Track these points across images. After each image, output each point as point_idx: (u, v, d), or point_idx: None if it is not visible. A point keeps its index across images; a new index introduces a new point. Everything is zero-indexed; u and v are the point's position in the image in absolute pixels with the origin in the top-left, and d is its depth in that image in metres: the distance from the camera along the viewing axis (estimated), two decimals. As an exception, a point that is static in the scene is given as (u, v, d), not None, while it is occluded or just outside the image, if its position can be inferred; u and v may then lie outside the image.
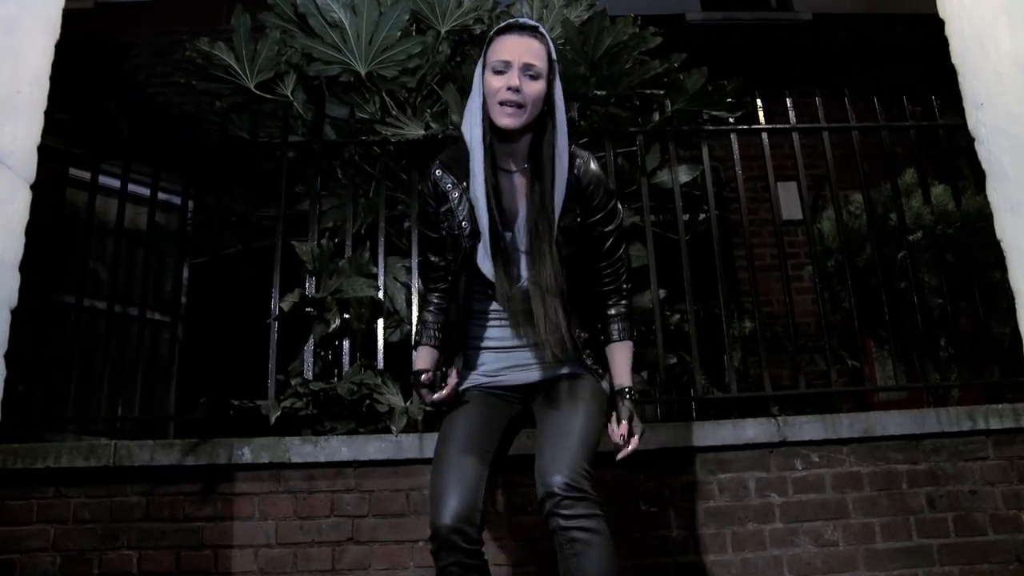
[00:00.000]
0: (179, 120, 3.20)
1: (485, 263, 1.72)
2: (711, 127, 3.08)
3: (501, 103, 1.63)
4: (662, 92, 3.03)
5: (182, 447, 2.54)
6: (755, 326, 3.38)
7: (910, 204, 3.06)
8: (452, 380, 1.73)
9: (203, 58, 2.96)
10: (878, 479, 2.55)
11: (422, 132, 2.94)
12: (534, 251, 1.67)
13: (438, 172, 1.80)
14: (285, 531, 2.48)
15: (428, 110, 3.16)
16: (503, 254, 1.70)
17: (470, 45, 3.23)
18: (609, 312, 1.84)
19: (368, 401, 2.63)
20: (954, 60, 1.60)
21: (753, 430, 2.56)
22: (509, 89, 1.62)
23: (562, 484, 1.50)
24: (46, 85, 1.61)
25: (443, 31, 3.15)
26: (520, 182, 1.74)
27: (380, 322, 2.79)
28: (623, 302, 1.87)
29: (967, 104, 1.57)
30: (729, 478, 2.53)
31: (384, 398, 2.63)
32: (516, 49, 1.64)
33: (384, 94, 3.07)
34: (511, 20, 1.73)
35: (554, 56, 1.71)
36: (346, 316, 2.80)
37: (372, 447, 2.53)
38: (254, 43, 2.99)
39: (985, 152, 1.51)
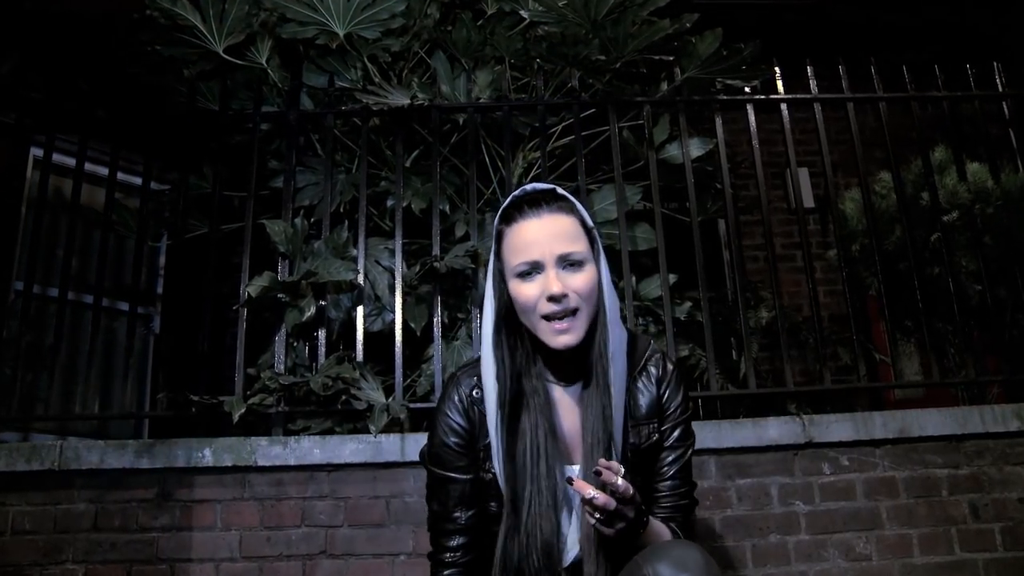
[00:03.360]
0: (142, 90, 2.91)
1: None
2: (725, 97, 2.81)
3: (545, 317, 1.21)
4: (671, 58, 2.75)
5: (135, 448, 2.27)
6: (771, 316, 3.11)
7: (943, 182, 2.78)
8: None
9: (166, 17, 2.68)
10: (915, 485, 2.28)
11: (407, 101, 2.66)
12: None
13: (476, 392, 1.32)
14: (250, 543, 2.21)
15: (415, 79, 2.88)
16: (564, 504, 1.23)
17: (461, 8, 2.95)
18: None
19: (344, 397, 2.36)
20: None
21: (776, 430, 2.29)
22: (551, 300, 1.19)
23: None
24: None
25: (432, -8, 2.87)
26: (573, 397, 1.32)
27: (360, 309, 2.52)
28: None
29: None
30: (749, 484, 2.26)
31: (363, 394, 2.36)
32: (540, 238, 1.22)
33: (366, 59, 2.79)
34: (517, 193, 1.29)
35: (589, 222, 1.28)
36: (322, 303, 2.53)
37: (348, 449, 2.26)
38: (222, 1, 2.71)
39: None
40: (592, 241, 1.27)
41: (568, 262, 1.22)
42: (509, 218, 1.27)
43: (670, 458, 1.34)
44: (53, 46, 3.60)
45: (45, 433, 3.21)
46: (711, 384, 2.47)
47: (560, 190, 1.30)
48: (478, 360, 1.36)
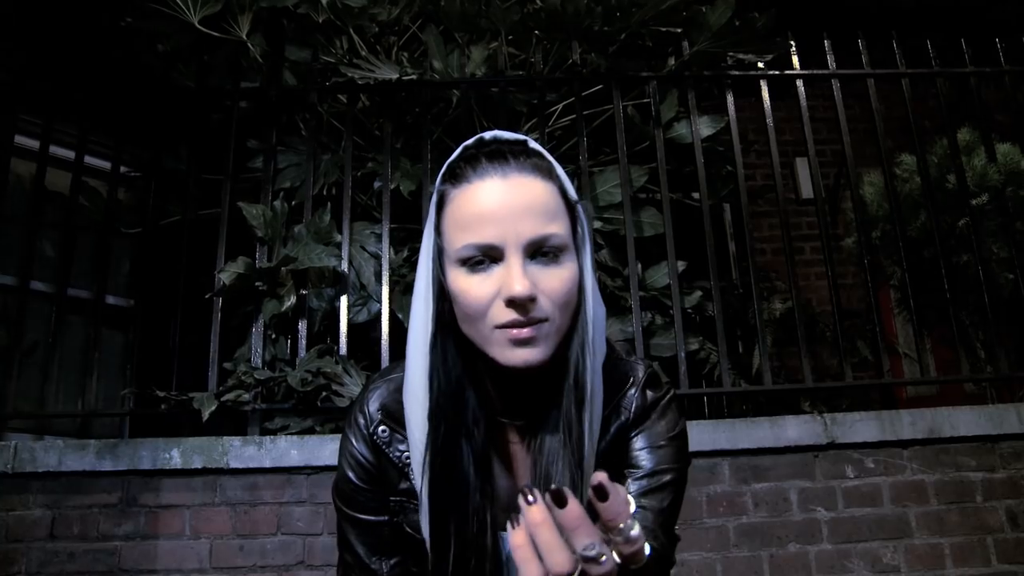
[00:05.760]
0: (113, 67, 2.72)
1: None
2: (737, 72, 2.62)
3: (501, 327, 0.80)
4: (679, 30, 2.56)
5: (97, 448, 2.09)
6: (785, 309, 2.93)
7: (971, 163, 2.60)
8: None
9: (135, -14, 2.49)
10: (947, 490, 2.09)
11: (396, 75, 2.48)
12: None
13: (382, 430, 0.94)
14: (221, 552, 2.03)
15: (405, 55, 2.70)
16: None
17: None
18: None
19: (325, 393, 2.17)
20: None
21: (795, 430, 2.10)
22: (511, 305, 0.79)
23: None
24: None
25: (422, -41, 2.68)
26: (522, 437, 0.93)
27: (343, 299, 2.33)
28: None
29: None
30: (766, 488, 2.07)
31: (346, 390, 2.18)
32: (503, 211, 0.80)
33: (352, 31, 2.60)
34: (471, 143, 0.89)
35: (572, 194, 0.88)
36: (303, 292, 2.34)
37: (329, 449, 2.07)
38: (196, -32, 2.52)
39: None
40: (575, 221, 0.87)
41: (542, 251, 0.81)
42: (457, 175, 0.85)
43: (632, 489, 0.90)
44: (17, 21, 3.41)
45: (20, 432, 3.02)
46: (723, 380, 2.29)
47: (534, 143, 0.89)
48: (402, 363, 0.96)
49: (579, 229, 0.87)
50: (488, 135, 0.88)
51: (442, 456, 0.85)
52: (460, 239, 0.81)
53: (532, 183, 0.82)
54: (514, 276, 0.78)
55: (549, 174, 0.85)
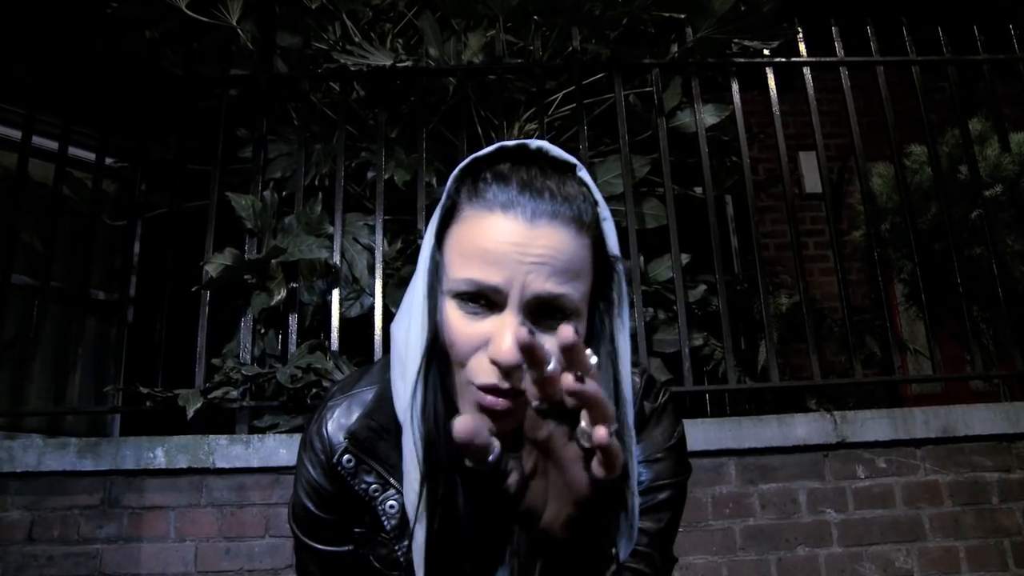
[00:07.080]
0: (98, 54, 2.64)
1: None
2: (742, 59, 2.54)
3: (478, 385, 0.70)
4: (683, 16, 2.48)
5: (78, 447, 2.01)
6: (791, 304, 2.86)
7: (984, 153, 2.52)
8: None
9: (118, -32, 2.41)
10: (961, 491, 2.02)
11: (390, 61, 2.39)
12: None
13: (347, 459, 0.83)
14: (207, 555, 1.96)
15: (399, 40, 2.62)
16: None
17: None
18: None
19: (316, 390, 2.09)
20: None
21: (804, 429, 2.03)
22: (495, 363, 0.69)
23: None
24: None
25: (418, -58, 2.61)
26: (518, 471, 0.72)
27: (335, 292, 2.25)
28: None
29: None
30: (774, 489, 2.00)
31: (337, 387, 2.09)
32: (516, 254, 0.69)
33: (345, 17, 2.52)
34: (510, 145, 0.77)
35: (613, 247, 0.77)
36: (293, 285, 2.26)
37: (319, 449, 1.99)
38: (182, -50, 2.43)
39: None
40: (610, 274, 0.76)
41: (549, 310, 0.70)
42: (480, 191, 0.73)
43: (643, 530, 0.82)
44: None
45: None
46: (728, 376, 2.21)
47: (584, 172, 0.77)
48: (368, 376, 0.88)
49: (612, 289, 0.76)
50: (534, 145, 0.76)
51: (442, 504, 0.76)
52: (461, 269, 0.71)
53: (560, 235, 0.70)
54: (505, 337, 0.67)
55: (586, 226, 0.73)
